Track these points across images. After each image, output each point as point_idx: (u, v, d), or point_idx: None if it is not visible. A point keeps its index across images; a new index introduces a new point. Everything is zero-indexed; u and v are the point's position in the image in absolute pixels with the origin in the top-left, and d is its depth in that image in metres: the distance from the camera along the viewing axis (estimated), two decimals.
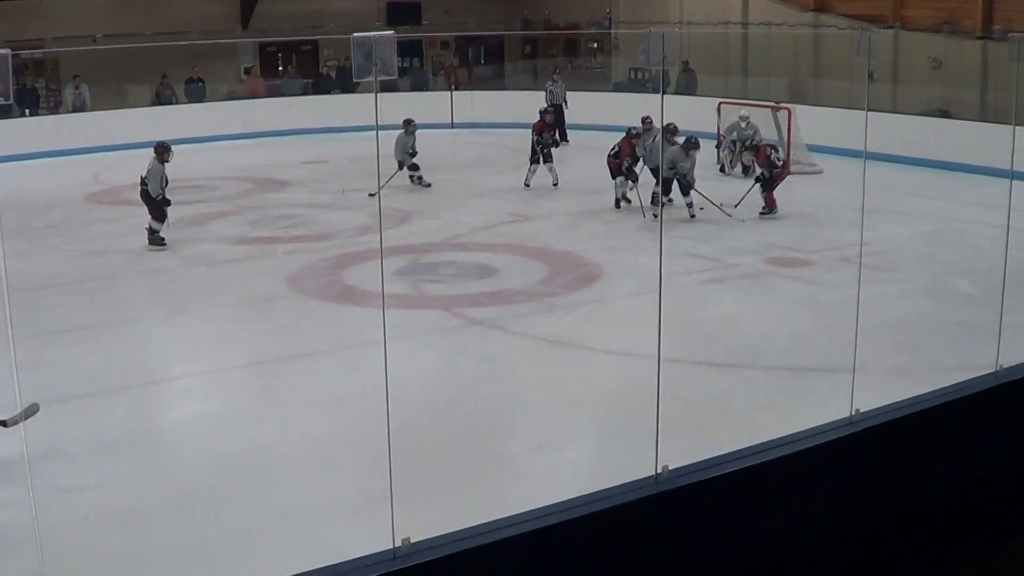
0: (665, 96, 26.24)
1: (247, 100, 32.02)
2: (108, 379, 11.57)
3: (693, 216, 18.44)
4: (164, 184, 17.39)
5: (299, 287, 14.79)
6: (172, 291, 15.18)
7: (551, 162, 21.59)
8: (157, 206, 17.44)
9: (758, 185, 19.05)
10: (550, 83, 28.93)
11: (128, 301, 14.89)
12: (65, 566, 7.27)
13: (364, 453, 9.38)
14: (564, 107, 28.01)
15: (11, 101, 4.74)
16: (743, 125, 22.63)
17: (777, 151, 20.04)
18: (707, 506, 6.45)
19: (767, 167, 19.06)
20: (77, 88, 30.39)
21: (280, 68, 35.81)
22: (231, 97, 32.80)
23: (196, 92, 32.37)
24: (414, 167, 21.55)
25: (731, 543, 6.49)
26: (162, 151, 17.55)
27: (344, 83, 33.11)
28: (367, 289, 14.40)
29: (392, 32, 5.83)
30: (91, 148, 26.44)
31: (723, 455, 6.66)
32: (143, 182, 17.40)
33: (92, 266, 16.32)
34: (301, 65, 35.67)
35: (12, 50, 4.87)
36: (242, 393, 11.61)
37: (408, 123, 21.40)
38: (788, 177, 19.47)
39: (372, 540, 5.69)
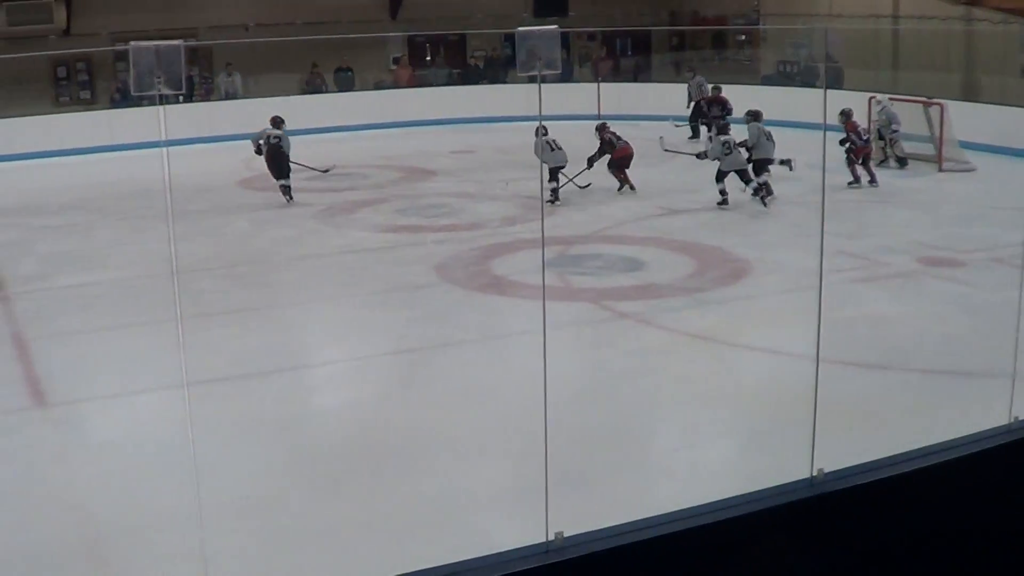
0: (813, 90, 25.93)
1: (395, 89, 32.29)
2: (259, 362, 11.76)
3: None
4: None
5: (447, 276, 14.88)
6: (321, 277, 15.41)
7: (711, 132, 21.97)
8: (285, 166, 19.80)
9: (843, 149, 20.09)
10: (689, 76, 29.05)
11: (278, 286, 15.12)
12: (220, 546, 7.41)
13: (512, 444, 9.43)
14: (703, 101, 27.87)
15: (183, 91, 4.80)
16: (877, 110, 22.23)
17: (863, 129, 20.41)
18: (863, 511, 6.36)
19: (855, 137, 19.89)
20: (230, 76, 30.94)
21: (428, 58, 35.98)
22: (379, 86, 33.11)
23: (345, 81, 32.75)
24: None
25: (887, 550, 6.40)
26: (281, 121, 20.38)
27: (491, 74, 33.23)
28: (514, 279, 14.46)
29: (556, 27, 5.82)
30: (242, 135, 26.78)
31: (879, 459, 6.55)
32: (278, 144, 19.76)
33: (243, 251, 16.60)
34: (449, 55, 35.81)
35: (165, 39, 4.95)
36: (390, 380, 11.69)
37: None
38: (939, 175, 19.23)
39: (522, 532, 5.68)
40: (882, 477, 6.37)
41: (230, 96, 30.43)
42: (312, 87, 32.46)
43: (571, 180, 20.04)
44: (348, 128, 28.62)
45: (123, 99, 30.56)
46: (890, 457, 6.63)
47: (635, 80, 34.26)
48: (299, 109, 29.22)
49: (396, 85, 32.90)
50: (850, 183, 20.21)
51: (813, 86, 27.46)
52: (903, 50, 31.32)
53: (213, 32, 31.34)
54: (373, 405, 10.83)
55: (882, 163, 22.06)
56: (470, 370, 11.54)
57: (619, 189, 20.48)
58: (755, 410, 10.20)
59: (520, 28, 5.74)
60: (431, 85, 33.02)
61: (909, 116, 22.57)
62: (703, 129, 25.21)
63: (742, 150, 19.33)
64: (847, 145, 20.29)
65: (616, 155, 20.55)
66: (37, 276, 15.98)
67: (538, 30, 5.75)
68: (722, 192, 19.13)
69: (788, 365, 10.98)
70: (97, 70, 32.56)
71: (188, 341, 11.65)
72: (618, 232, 17.37)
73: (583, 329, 12.81)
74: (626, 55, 37.34)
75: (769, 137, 19.49)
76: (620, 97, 30.73)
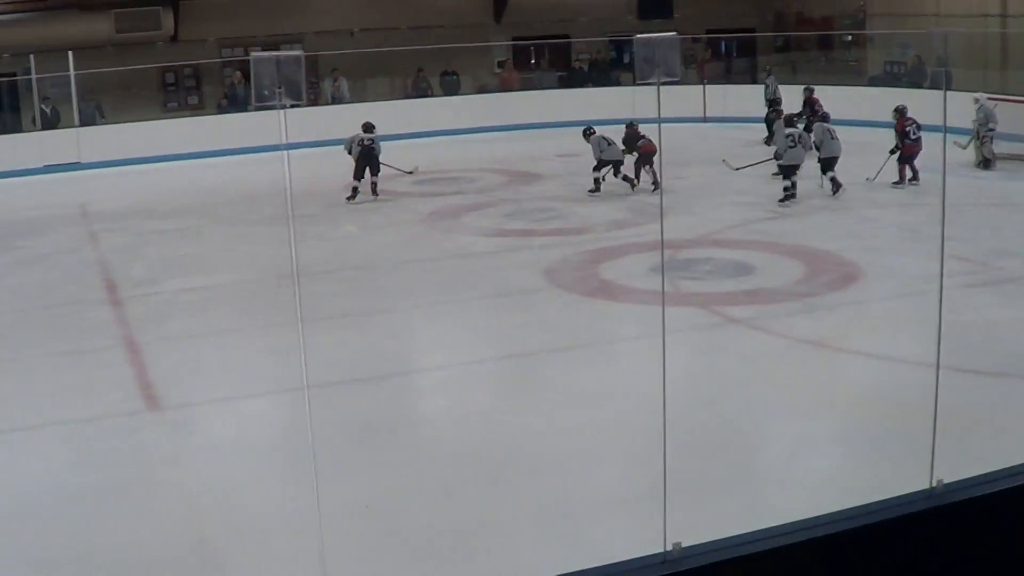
0: (921, 91, 25.57)
1: (500, 93, 32.35)
2: (369, 366, 11.81)
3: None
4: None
5: (556, 280, 14.85)
6: (430, 281, 15.44)
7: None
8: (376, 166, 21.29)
9: (893, 156, 20.29)
10: (766, 78, 29.09)
11: (387, 290, 15.17)
12: (335, 550, 7.44)
13: (623, 451, 9.39)
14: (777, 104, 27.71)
15: (303, 101, 4.84)
16: (975, 108, 21.83)
17: (916, 125, 20.09)
18: (983, 524, 6.24)
19: (900, 137, 19.95)
20: (336, 81, 31.16)
21: (533, 61, 35.99)
22: (484, 90, 33.18)
23: (450, 85, 32.88)
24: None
25: (1009, 564, 6.27)
26: (372, 126, 21.64)
27: (596, 76, 33.18)
28: (623, 284, 14.40)
29: (675, 34, 5.77)
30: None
31: (999, 470, 6.44)
32: (370, 146, 20.92)
33: (352, 255, 16.70)
34: (553, 58, 35.78)
35: (268, 46, 5.00)
36: (501, 385, 11.71)
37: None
38: None
39: (635, 541, 5.64)
40: (1003, 488, 6.24)
41: (336, 101, 30.64)
42: (418, 91, 32.63)
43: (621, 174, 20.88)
44: (453, 132, 28.72)
45: (230, 105, 30.95)
46: (1010, 468, 6.50)
47: (742, 82, 33.97)
48: (405, 113, 29.49)
49: (501, 88, 32.95)
50: (895, 183, 20.31)
51: (920, 87, 27.07)
52: (1012, 49, 30.82)
53: (318, 37, 31.60)
54: (484, 411, 10.82)
55: (980, 164, 21.76)
56: (581, 376, 11.45)
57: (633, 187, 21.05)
58: (869, 418, 10.03)
59: (638, 36, 5.69)
60: (536, 88, 33.04)
61: (1012, 116, 22.18)
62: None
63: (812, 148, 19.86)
64: (894, 145, 20.40)
65: (642, 150, 20.92)
66: (148, 280, 16.20)
67: (656, 37, 5.70)
68: (786, 189, 19.45)
69: (901, 372, 10.85)
70: (205, 76, 32.97)
71: (298, 345, 11.80)
72: (727, 236, 17.24)
73: (693, 334, 12.70)
74: (732, 56, 37.11)
75: (834, 136, 19.86)
76: (725, 99, 30.60)
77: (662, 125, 21.06)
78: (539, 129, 29.23)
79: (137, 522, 8.46)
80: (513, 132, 29.39)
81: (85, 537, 8.21)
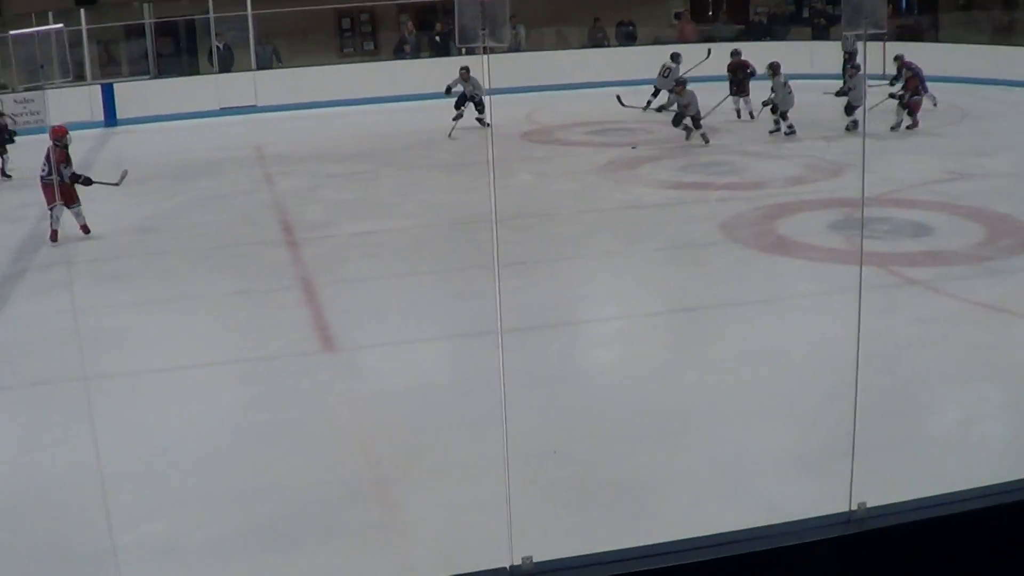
0: None
1: (676, 44, 31.96)
2: (544, 315, 11.71)
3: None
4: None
5: (731, 235, 14.61)
6: (604, 231, 15.35)
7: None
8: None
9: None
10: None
11: (562, 239, 15.11)
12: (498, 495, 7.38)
13: (795, 409, 9.24)
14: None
15: (506, 44, 4.78)
16: None
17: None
18: None
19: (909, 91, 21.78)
20: (514, 28, 31.04)
21: (710, 13, 35.54)
22: (660, 41, 32.81)
23: (626, 35, 32.63)
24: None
25: None
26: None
27: (775, 30, 32.67)
28: (799, 240, 14.13)
29: None
30: (525, 88, 26.97)
31: None
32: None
33: (526, 203, 16.62)
34: (732, 11, 35.28)
35: None
36: (673, 339, 11.60)
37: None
38: None
39: (816, 500, 5.48)
40: None
41: (513, 49, 30.54)
42: (594, 41, 32.44)
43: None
44: (629, 83, 28.44)
45: (402, 52, 31.20)
46: None
47: (924, 39, 33.07)
48: (580, 63, 29.34)
49: (678, 40, 32.54)
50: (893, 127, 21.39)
51: None
52: None
53: None
54: (655, 364, 10.70)
55: None
56: (754, 331, 11.28)
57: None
58: None
59: None
60: (713, 40, 32.59)
61: None
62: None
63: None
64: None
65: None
66: (324, 223, 16.34)
67: None
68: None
69: None
70: (380, 22, 33.14)
71: (475, 289, 11.82)
72: (905, 196, 16.79)
73: (870, 294, 12.37)
74: (912, 13, 36.18)
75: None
76: (908, 57, 29.79)
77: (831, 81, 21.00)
78: (715, 82, 28.77)
79: (313, 462, 8.52)
80: (691, 85, 29.01)
81: (263, 475, 8.29)
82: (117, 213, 16.80)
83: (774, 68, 21.60)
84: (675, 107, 21.01)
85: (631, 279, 13.39)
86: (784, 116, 21.45)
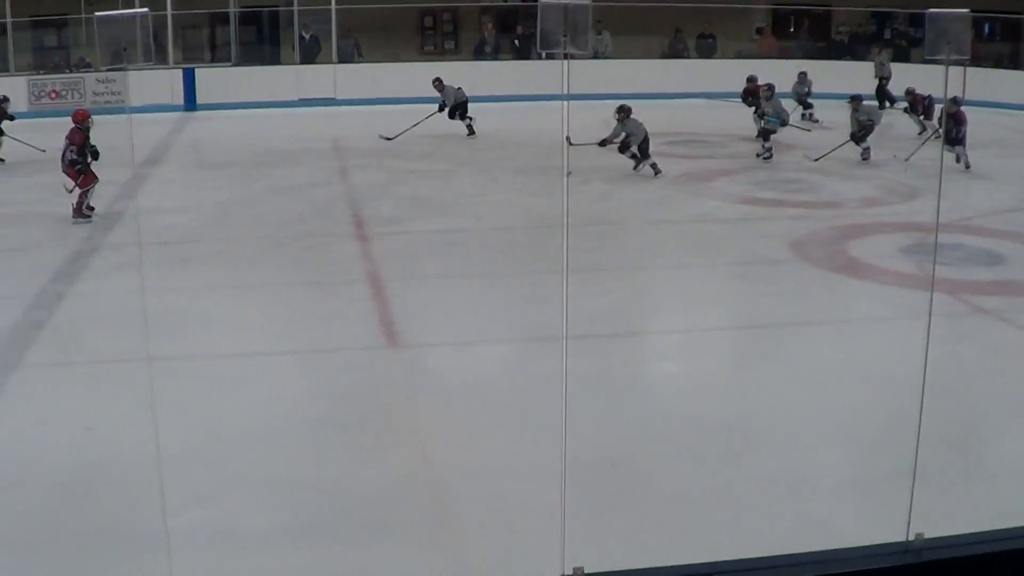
0: None
1: (757, 60, 31.79)
2: (608, 323, 11.72)
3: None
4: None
5: (802, 253, 14.52)
6: (675, 243, 15.33)
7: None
8: None
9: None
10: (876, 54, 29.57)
11: (632, 249, 15.13)
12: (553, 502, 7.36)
13: (855, 433, 9.18)
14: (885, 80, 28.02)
15: (588, 51, 4.76)
16: None
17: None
18: None
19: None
20: (599, 34, 31.03)
21: (792, 30, 35.33)
22: (741, 55, 32.67)
23: (707, 48, 32.56)
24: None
25: None
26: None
27: (855, 50, 32.49)
28: (870, 263, 14.04)
29: (967, 11, 5.56)
30: (600, 95, 26.90)
31: None
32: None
33: (599, 211, 16.59)
34: (814, 28, 35.04)
35: None
36: (737, 355, 11.57)
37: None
38: None
39: (873, 527, 5.42)
40: None
41: (598, 56, 30.51)
42: (674, 52, 32.38)
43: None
44: (707, 95, 28.37)
45: (483, 52, 31.28)
46: None
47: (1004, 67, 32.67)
48: (659, 73, 29.30)
49: (758, 55, 32.39)
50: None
51: None
52: None
53: None
54: (717, 380, 10.70)
55: None
56: (819, 352, 11.24)
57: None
58: None
59: (930, 10, 5.53)
60: (794, 57, 32.37)
61: None
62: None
63: None
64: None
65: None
66: (396, 219, 16.40)
67: (950, 13, 5.55)
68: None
69: None
70: (462, 22, 33.25)
71: (542, 295, 11.81)
72: (979, 223, 16.62)
73: (939, 321, 12.24)
74: (993, 40, 35.78)
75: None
76: (985, 82, 29.37)
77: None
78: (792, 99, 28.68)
79: (369, 457, 8.55)
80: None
81: (318, 467, 8.33)
82: (191, 197, 16.94)
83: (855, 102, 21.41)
84: (619, 139, 20.00)
85: (699, 292, 13.34)
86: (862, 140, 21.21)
